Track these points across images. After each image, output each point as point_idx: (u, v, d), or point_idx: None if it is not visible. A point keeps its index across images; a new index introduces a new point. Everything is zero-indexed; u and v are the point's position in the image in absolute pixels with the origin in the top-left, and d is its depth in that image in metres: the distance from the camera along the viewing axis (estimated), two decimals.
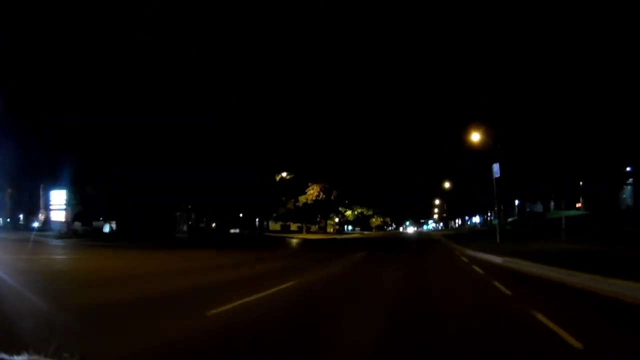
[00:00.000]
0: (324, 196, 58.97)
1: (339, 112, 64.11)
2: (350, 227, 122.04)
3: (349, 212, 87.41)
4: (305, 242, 35.83)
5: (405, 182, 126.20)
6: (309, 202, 58.14)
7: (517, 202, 66.76)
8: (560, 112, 32.25)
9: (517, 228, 33.05)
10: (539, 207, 66.31)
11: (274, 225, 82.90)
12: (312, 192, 58.06)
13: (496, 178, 22.11)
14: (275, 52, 51.00)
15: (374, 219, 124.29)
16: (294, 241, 38.20)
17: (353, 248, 25.59)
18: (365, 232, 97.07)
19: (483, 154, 48.30)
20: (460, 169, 64.88)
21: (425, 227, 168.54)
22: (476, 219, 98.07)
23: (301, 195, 58.08)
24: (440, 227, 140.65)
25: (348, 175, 65.69)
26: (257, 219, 57.65)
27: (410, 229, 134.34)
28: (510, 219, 63.55)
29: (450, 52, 49.05)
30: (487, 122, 36.60)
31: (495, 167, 21.92)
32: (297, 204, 58.22)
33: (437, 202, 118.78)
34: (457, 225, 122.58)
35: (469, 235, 31.24)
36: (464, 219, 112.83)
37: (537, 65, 33.62)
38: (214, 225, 55.83)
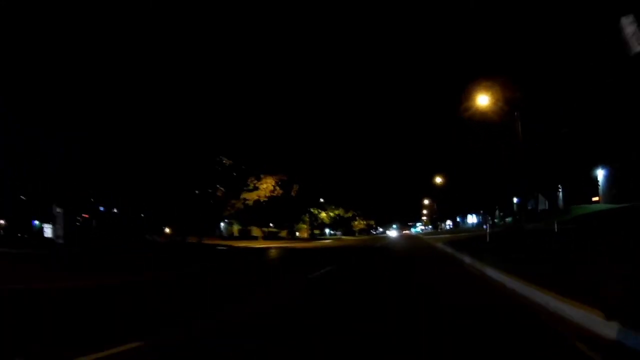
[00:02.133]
0: (280, 191, 44.71)
1: (299, 81, 51.08)
2: (331, 231, 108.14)
3: (323, 214, 73.02)
4: (213, 255, 21.36)
5: (389, 178, 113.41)
6: (261, 199, 43.97)
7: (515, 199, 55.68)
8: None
9: (564, 234, 18.42)
10: (536, 204, 53.90)
11: (234, 230, 68.57)
12: (265, 186, 43.86)
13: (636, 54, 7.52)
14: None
15: (356, 222, 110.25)
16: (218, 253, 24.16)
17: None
18: (344, 238, 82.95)
19: (490, 129, 35.70)
20: (456, 159, 52.95)
21: (413, 229, 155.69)
22: (472, 219, 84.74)
23: (247, 189, 43.74)
24: (429, 229, 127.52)
25: (312, 166, 51.53)
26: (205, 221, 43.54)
27: (394, 233, 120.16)
28: (508, 220, 50.79)
29: None
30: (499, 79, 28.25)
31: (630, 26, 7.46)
32: (246, 201, 43.94)
33: (426, 202, 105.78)
34: (447, 227, 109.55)
35: (502, 245, 15.30)
36: (455, 219, 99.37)
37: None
38: (172, 231, 41.42)
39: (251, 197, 43.85)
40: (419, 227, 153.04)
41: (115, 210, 37.25)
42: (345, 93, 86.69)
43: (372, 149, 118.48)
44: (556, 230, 21.77)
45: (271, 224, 70.03)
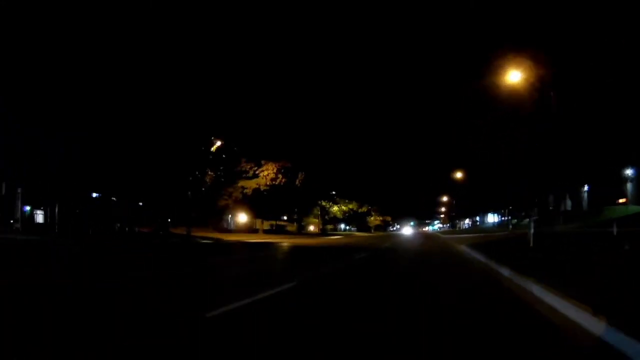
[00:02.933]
0: (283, 180, 39.82)
1: (306, 61, 46.62)
2: (346, 227, 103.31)
3: (335, 208, 67.94)
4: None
5: (407, 174, 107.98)
6: (261, 187, 39.18)
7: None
8: None
9: None
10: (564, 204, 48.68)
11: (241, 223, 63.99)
12: (266, 173, 39.05)
13: None
14: None
15: (371, 218, 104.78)
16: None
17: None
18: (357, 234, 77.97)
19: (516, 114, 31.94)
20: (477, 154, 47.88)
21: (430, 227, 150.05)
22: (493, 218, 78.79)
23: (246, 176, 39.00)
24: (446, 228, 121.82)
25: (322, 155, 46.50)
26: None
27: (408, 230, 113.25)
28: (529, 219, 45.06)
29: None
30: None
31: None
32: (245, 190, 39.23)
33: (444, 199, 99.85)
34: (465, 225, 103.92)
35: (560, 255, 9.99)
36: (474, 218, 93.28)
37: None
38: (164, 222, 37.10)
39: (250, 185, 39.10)
40: (437, 224, 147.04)
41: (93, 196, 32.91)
42: (364, 83, 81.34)
43: (390, 143, 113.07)
44: (615, 233, 16.59)
45: (283, 217, 65.43)
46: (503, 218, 71.55)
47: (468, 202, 61.49)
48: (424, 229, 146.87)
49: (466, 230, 58.78)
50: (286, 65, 45.65)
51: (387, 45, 75.08)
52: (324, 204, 62.99)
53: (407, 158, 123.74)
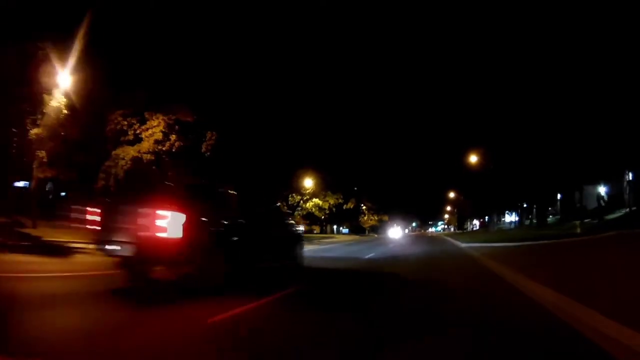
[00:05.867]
0: (178, 143, 23.24)
1: None
2: (340, 228, 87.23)
3: (309, 203, 50.96)
4: None
5: (408, 160, 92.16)
6: (144, 157, 22.76)
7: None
8: None
9: None
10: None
11: None
12: (150, 132, 22.57)
13: None
14: None
15: (364, 217, 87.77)
16: None
17: None
18: (336, 237, 61.65)
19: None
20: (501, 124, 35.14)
21: (433, 229, 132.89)
22: (510, 218, 62.32)
23: (125, 139, 22.66)
24: (451, 229, 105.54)
25: (278, 112, 30.02)
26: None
27: (397, 233, 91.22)
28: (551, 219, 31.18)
29: None
30: None
31: None
32: (121, 162, 22.88)
33: (451, 195, 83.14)
34: (472, 226, 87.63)
35: None
36: (484, 218, 75.79)
37: None
38: None
39: (127, 153, 22.61)
40: (440, 225, 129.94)
41: None
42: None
43: (385, 123, 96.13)
44: None
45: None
46: (519, 218, 55.24)
47: (497, 195, 44.45)
48: (429, 230, 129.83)
49: (495, 235, 36.15)
50: None
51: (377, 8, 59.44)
52: (291, 198, 46.37)
53: (407, 143, 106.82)
